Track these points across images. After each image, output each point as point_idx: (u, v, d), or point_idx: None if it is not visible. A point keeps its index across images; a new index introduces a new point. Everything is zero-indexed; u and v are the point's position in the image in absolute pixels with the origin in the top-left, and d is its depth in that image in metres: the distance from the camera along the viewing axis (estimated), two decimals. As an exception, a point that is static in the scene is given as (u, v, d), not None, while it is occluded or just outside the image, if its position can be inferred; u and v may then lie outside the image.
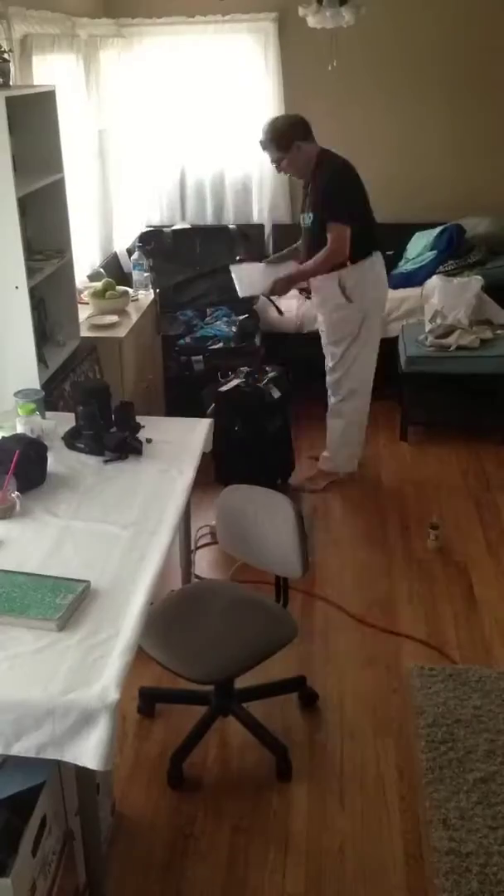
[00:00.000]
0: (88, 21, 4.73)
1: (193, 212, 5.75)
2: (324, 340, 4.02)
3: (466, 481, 4.17)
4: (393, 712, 2.73)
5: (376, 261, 3.84)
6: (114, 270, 4.92)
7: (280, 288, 3.89)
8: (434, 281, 4.86)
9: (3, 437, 2.60)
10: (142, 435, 2.73)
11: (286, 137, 3.63)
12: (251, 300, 4.96)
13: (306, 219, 3.78)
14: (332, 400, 4.08)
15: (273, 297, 4.85)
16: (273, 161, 3.72)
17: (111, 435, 2.66)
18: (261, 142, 3.69)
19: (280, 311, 4.91)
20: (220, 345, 4.55)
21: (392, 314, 4.91)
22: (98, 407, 2.71)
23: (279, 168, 3.75)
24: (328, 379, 4.06)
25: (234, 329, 4.68)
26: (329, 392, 4.08)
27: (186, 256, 5.20)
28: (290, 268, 3.92)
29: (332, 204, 3.63)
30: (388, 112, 5.43)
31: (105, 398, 2.77)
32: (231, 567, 3.45)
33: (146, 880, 2.20)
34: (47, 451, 2.58)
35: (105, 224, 5.16)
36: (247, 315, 4.81)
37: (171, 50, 5.33)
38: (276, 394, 3.94)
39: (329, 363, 4.00)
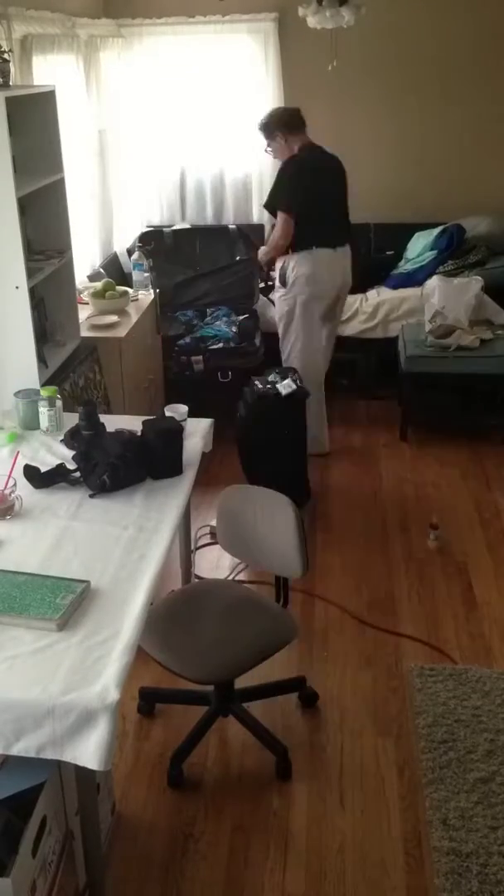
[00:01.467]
0: (88, 21, 4.73)
1: (193, 212, 5.75)
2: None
3: (466, 481, 4.17)
4: (393, 712, 2.73)
5: (319, 255, 4.04)
6: (114, 270, 4.92)
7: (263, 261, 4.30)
8: (434, 281, 4.86)
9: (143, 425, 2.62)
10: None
11: (270, 126, 4.03)
12: (251, 300, 4.97)
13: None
14: None
15: (272, 297, 4.93)
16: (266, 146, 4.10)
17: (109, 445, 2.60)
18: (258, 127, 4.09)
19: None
20: (221, 345, 4.55)
21: (392, 314, 4.91)
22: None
23: (267, 151, 4.14)
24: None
25: (234, 329, 4.68)
26: None
27: (186, 256, 5.20)
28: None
29: (274, 193, 4.09)
30: (389, 112, 5.43)
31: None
32: (231, 567, 3.45)
33: (146, 880, 2.20)
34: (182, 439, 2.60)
35: (105, 224, 5.17)
36: (247, 315, 4.82)
37: (171, 50, 5.33)
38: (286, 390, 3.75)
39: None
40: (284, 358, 4.29)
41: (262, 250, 4.29)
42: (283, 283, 4.13)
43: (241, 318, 4.79)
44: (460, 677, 2.82)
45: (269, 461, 3.81)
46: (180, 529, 2.75)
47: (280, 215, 4.01)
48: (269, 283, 5.15)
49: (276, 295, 4.26)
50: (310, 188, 4.00)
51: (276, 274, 4.22)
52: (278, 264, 4.14)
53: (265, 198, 5.59)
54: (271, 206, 4.11)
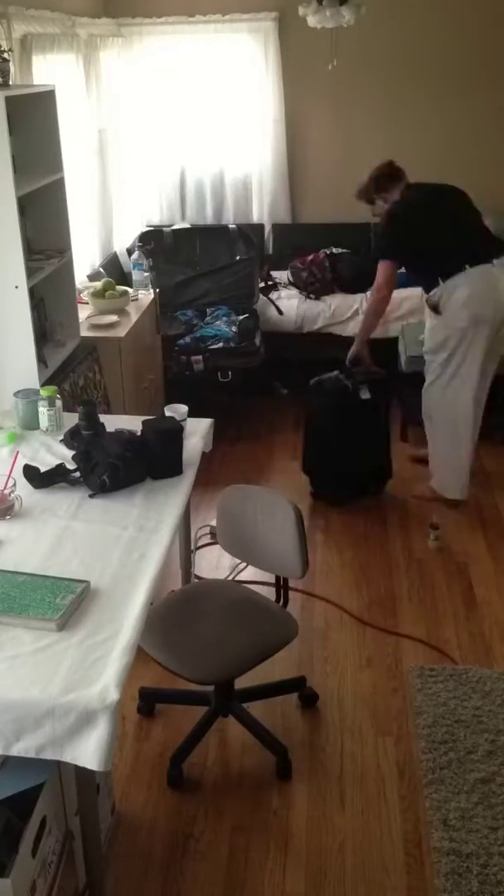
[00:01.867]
0: (88, 20, 4.73)
1: (193, 212, 5.75)
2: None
3: (466, 481, 4.17)
4: (393, 712, 2.73)
5: (473, 275, 3.57)
6: (114, 270, 4.92)
7: (357, 357, 3.92)
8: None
9: (143, 424, 2.61)
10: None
11: (369, 191, 3.77)
12: (251, 300, 4.97)
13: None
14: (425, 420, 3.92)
15: (272, 297, 4.98)
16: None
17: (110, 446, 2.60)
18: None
19: (280, 311, 4.93)
20: (221, 344, 4.55)
21: (392, 314, 4.90)
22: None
23: (376, 216, 3.87)
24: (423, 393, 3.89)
25: (234, 328, 4.68)
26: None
27: (186, 256, 5.20)
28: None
29: (377, 241, 3.75)
30: (388, 111, 5.43)
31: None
32: (231, 567, 3.45)
33: (146, 880, 2.20)
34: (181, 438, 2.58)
35: (105, 224, 5.16)
36: (247, 315, 4.82)
37: (171, 49, 5.33)
38: (366, 395, 3.85)
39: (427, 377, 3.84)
40: (429, 397, 3.83)
41: (361, 328, 3.95)
42: (438, 311, 3.66)
43: (241, 317, 4.79)
44: (460, 677, 2.82)
45: (350, 452, 3.95)
46: (180, 529, 2.75)
47: (379, 265, 3.67)
48: (269, 282, 5.18)
49: (428, 319, 3.85)
50: (422, 224, 3.63)
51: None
52: (426, 293, 3.75)
53: (264, 198, 5.66)
54: (375, 257, 3.73)
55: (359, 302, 4.96)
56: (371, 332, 3.92)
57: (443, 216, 3.68)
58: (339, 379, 3.88)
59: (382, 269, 3.66)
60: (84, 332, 3.69)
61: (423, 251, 3.63)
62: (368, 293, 4.00)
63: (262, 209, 5.69)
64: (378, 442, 4.03)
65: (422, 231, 3.64)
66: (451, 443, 3.82)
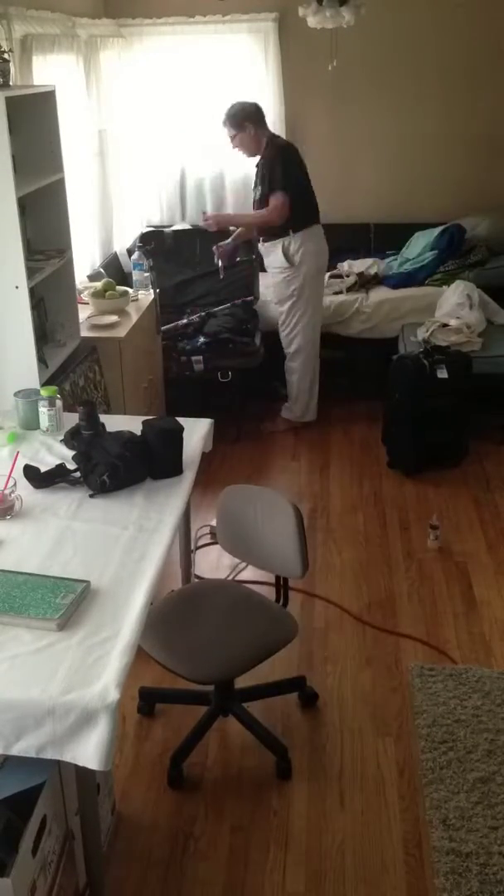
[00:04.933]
0: (88, 21, 4.73)
1: (193, 212, 5.75)
2: (273, 301, 4.69)
3: (466, 481, 4.17)
4: (393, 712, 2.73)
5: (317, 232, 4.42)
6: (114, 270, 4.92)
7: (216, 221, 4.56)
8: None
9: (142, 427, 2.61)
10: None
11: (239, 117, 4.27)
12: (251, 300, 4.97)
13: (255, 193, 4.44)
14: (286, 357, 4.65)
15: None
16: (229, 137, 4.36)
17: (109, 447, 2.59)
18: (223, 121, 4.34)
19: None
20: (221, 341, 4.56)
21: (392, 314, 4.91)
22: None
23: (233, 144, 4.38)
24: (281, 336, 4.62)
25: (227, 316, 4.67)
26: (284, 349, 4.65)
27: (186, 256, 5.20)
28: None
29: (271, 178, 4.25)
30: (388, 112, 5.43)
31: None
32: (231, 567, 3.45)
33: (146, 880, 2.20)
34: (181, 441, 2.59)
35: (105, 224, 5.17)
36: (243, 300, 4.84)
37: (171, 50, 5.32)
38: (443, 374, 4.11)
39: (279, 322, 4.61)
40: (287, 334, 4.57)
41: (243, 215, 4.67)
42: (291, 262, 4.37)
43: (233, 303, 4.82)
44: (460, 677, 2.83)
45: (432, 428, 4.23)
46: (180, 529, 2.75)
47: (280, 196, 4.22)
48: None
49: (278, 277, 4.48)
50: (298, 171, 4.31)
51: (268, 257, 4.48)
52: (274, 247, 4.39)
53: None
54: (270, 189, 4.25)
55: (358, 301, 4.95)
56: (245, 236, 4.62)
57: (303, 173, 4.36)
58: (419, 358, 4.16)
59: (279, 200, 4.23)
60: (84, 333, 3.69)
61: (298, 195, 4.27)
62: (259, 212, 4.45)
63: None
64: (452, 419, 4.23)
65: (300, 176, 4.32)
66: (310, 372, 4.64)
